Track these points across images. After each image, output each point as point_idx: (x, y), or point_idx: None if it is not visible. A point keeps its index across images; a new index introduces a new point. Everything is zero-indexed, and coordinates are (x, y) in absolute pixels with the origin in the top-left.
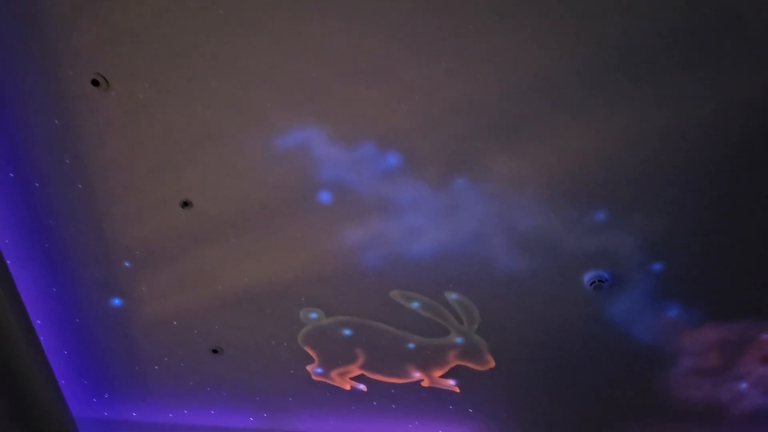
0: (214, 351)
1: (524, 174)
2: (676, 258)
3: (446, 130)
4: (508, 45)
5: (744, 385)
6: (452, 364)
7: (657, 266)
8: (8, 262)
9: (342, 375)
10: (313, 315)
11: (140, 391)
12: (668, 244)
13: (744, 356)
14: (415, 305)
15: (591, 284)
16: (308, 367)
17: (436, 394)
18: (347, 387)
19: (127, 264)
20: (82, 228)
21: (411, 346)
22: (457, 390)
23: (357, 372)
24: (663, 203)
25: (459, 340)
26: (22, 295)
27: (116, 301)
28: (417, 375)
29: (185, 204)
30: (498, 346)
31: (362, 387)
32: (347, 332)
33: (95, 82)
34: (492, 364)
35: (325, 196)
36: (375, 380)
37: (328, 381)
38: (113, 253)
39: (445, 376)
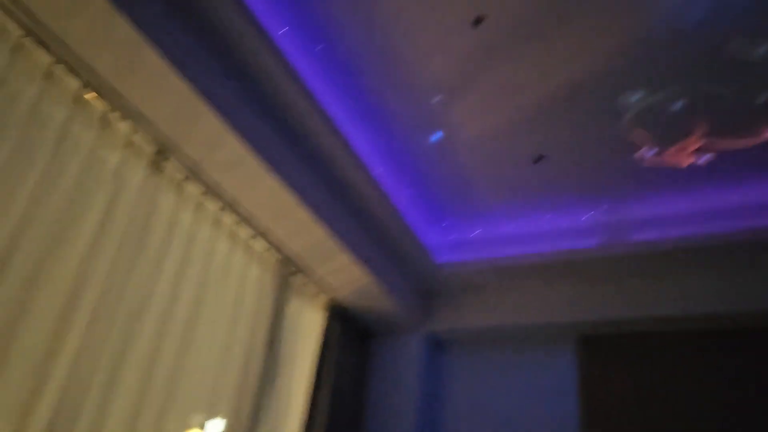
0: (537, 160)
1: None
2: None
3: None
4: None
5: None
6: None
7: None
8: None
9: (680, 151)
10: (635, 97)
11: (473, 211)
12: None
13: None
14: (764, 50)
15: None
16: (639, 153)
17: None
18: (687, 163)
19: (437, 98)
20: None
21: (761, 100)
22: None
23: (697, 144)
24: None
25: None
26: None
27: (438, 134)
28: None
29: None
30: None
31: (705, 159)
32: (678, 104)
33: None
34: None
35: None
36: (719, 150)
37: (664, 161)
38: (421, 87)
39: None
